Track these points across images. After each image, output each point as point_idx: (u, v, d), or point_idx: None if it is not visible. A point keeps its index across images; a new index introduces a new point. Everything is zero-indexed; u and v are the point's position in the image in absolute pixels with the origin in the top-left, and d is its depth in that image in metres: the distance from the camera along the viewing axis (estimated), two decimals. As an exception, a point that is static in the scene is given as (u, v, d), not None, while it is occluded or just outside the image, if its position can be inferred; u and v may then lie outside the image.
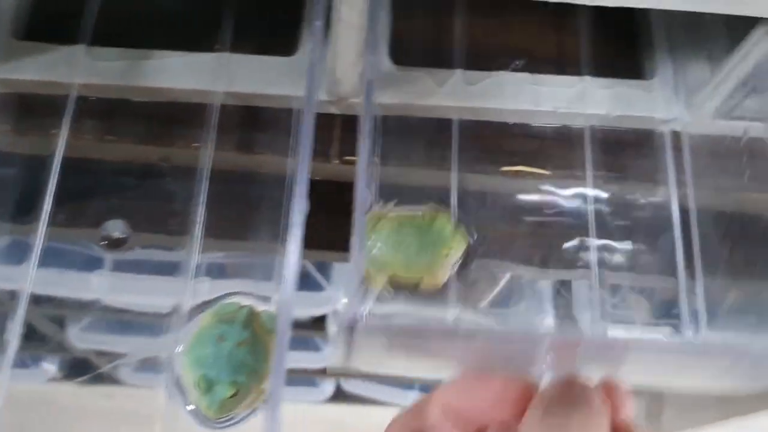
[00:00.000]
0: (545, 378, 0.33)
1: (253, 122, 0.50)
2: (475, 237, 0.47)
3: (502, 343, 0.35)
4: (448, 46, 0.51)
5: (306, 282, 0.81)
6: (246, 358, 0.42)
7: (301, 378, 1.26)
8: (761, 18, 0.42)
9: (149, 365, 1.33)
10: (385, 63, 0.50)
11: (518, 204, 0.52)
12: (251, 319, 0.44)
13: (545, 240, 0.53)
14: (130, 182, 0.53)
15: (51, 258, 0.77)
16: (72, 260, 0.78)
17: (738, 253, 0.44)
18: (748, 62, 0.44)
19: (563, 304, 0.69)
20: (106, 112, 0.49)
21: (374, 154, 0.48)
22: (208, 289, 0.80)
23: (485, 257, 0.51)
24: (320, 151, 0.50)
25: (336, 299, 0.80)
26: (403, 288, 0.44)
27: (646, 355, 0.37)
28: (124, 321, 1.02)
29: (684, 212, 0.48)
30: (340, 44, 0.43)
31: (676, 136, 0.50)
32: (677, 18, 0.52)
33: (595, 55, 0.52)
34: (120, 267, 0.79)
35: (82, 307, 0.85)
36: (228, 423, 0.43)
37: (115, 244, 0.53)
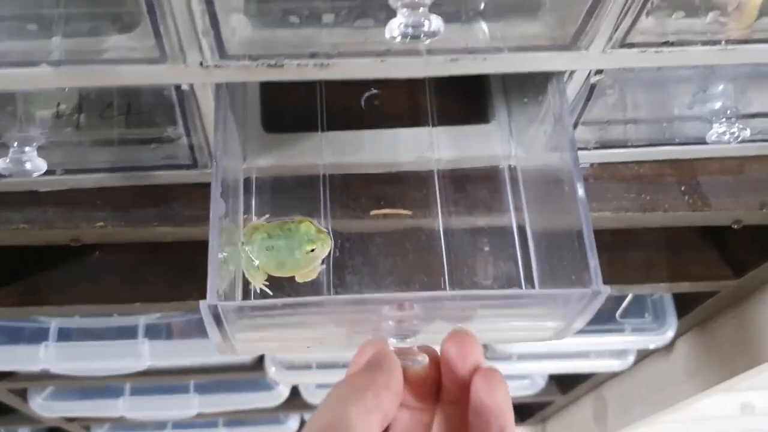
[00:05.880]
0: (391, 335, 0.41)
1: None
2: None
3: (347, 307, 0.44)
4: (312, 112, 0.59)
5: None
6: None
7: (266, 417, 1.32)
8: (551, 72, 0.51)
9: (119, 426, 1.37)
10: (258, 132, 0.58)
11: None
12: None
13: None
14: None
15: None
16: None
17: (558, 263, 0.51)
18: (553, 107, 0.52)
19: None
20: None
21: (250, 213, 0.56)
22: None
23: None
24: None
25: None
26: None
27: (485, 309, 0.46)
28: (84, 386, 1.07)
29: (521, 229, 0.56)
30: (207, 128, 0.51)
31: (512, 170, 0.58)
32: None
33: (442, 107, 0.61)
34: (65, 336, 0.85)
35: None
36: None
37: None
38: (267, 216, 0.55)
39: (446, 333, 0.38)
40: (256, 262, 0.50)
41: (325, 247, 0.51)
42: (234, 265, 0.51)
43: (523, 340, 0.52)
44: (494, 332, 0.52)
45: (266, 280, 0.52)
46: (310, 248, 0.50)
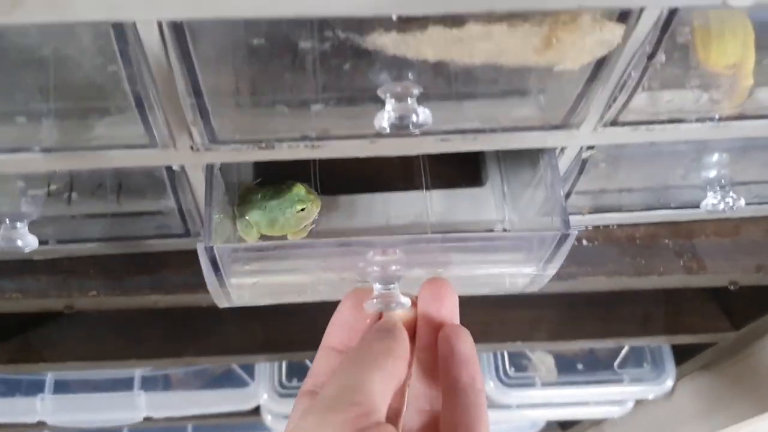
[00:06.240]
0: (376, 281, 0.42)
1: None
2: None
3: (336, 248, 0.46)
4: (306, 177, 0.59)
5: (232, 379, 0.88)
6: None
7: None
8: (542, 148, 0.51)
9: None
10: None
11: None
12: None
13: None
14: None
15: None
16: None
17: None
18: (545, 179, 0.52)
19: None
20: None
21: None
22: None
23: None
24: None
25: (260, 393, 0.87)
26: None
27: (464, 253, 0.48)
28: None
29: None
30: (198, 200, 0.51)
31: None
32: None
33: (436, 170, 0.60)
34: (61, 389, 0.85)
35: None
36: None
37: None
38: (259, 180, 0.57)
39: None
40: (250, 222, 0.53)
41: (314, 208, 0.53)
42: (229, 225, 0.53)
43: (501, 290, 0.53)
44: (474, 280, 0.53)
45: (260, 239, 0.54)
46: (300, 208, 0.52)
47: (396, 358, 0.34)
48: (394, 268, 0.44)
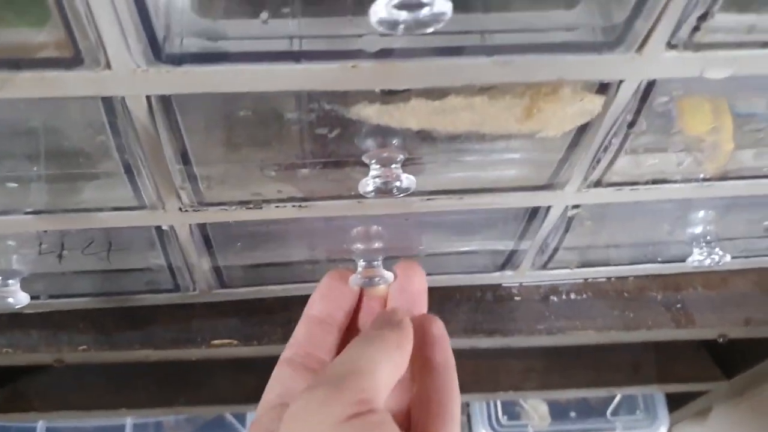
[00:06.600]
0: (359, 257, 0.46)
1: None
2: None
3: (322, 224, 0.48)
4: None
5: (224, 426, 0.87)
6: None
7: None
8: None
9: None
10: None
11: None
12: None
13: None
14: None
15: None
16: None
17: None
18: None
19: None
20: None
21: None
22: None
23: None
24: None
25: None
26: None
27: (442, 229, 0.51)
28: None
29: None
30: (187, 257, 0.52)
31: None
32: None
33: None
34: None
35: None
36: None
37: None
38: None
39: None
40: None
41: None
42: None
43: (480, 268, 0.57)
44: (453, 259, 0.56)
45: None
46: None
47: (404, 353, 0.35)
48: (376, 245, 0.48)
